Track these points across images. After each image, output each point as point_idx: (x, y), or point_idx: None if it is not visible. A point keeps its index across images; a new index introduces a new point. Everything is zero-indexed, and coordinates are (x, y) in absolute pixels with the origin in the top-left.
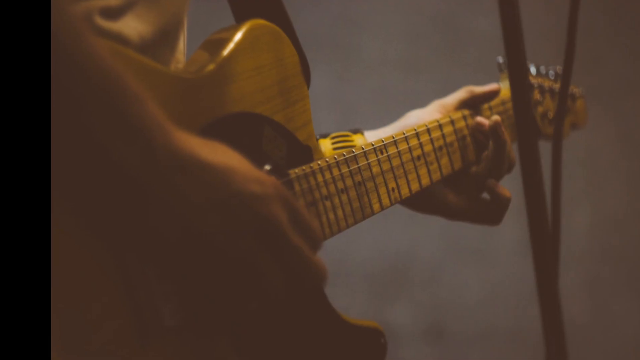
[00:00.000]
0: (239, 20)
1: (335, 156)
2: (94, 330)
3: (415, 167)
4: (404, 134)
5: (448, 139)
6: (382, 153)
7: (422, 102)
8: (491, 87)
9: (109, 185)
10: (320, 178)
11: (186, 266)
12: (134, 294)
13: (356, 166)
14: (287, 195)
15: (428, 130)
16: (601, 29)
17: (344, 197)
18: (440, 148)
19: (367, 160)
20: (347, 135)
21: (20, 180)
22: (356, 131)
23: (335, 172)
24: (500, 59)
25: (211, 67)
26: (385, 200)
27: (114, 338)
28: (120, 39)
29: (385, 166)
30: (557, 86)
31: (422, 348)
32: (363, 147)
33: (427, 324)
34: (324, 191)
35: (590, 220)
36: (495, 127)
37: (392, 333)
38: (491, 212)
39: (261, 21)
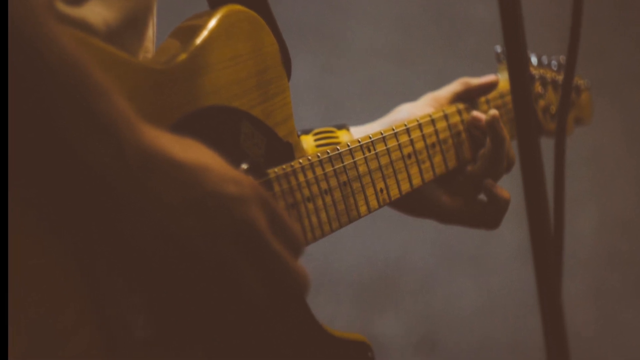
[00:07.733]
0: (214, 6)
1: (319, 154)
2: (61, 344)
3: (406, 166)
4: (393, 129)
5: (441, 136)
6: (369, 151)
7: (413, 96)
8: (489, 78)
9: (74, 186)
10: (302, 178)
11: (159, 272)
12: (103, 306)
13: (341, 165)
14: (265, 197)
15: (420, 126)
16: (607, 17)
17: (328, 199)
18: (433, 145)
19: (353, 158)
20: (331, 132)
21: None
22: (341, 127)
23: (319, 171)
24: (499, 48)
25: (183, 56)
26: (373, 202)
27: (82, 352)
28: (84, 26)
29: (373, 165)
30: (560, 78)
31: None
32: (349, 144)
33: (419, 336)
34: (306, 192)
35: (596, 223)
36: (492, 122)
37: (380, 346)
38: (489, 215)
39: (238, 7)
